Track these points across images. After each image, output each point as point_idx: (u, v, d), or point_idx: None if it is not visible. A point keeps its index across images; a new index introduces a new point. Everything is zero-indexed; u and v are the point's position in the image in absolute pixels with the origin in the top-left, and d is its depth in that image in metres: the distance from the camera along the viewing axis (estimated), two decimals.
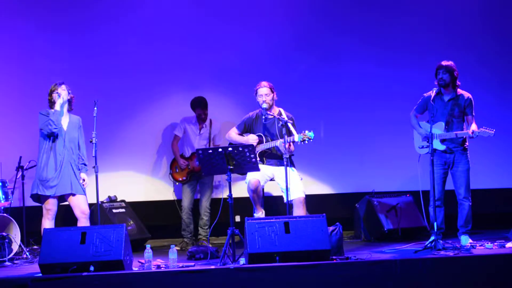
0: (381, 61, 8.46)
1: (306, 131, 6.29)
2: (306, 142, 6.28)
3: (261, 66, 8.31)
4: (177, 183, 7.87)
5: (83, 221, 6.11)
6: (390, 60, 8.46)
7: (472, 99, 6.48)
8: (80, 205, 6.13)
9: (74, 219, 6.19)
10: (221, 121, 8.08)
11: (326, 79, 8.47)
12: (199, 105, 7.79)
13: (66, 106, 6.25)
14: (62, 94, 6.19)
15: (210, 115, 7.90)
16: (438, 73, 6.45)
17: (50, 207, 6.12)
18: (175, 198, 8.06)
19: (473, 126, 6.35)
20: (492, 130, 6.21)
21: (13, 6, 8.16)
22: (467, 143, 6.50)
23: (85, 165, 6.31)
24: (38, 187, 6.10)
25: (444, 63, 6.45)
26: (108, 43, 8.28)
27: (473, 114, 6.47)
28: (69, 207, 6.23)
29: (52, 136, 6.12)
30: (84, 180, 6.24)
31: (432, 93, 6.39)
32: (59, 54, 8.20)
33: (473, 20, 8.55)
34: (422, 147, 6.54)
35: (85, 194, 6.20)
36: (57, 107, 6.17)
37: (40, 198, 6.16)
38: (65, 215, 6.31)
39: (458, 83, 6.47)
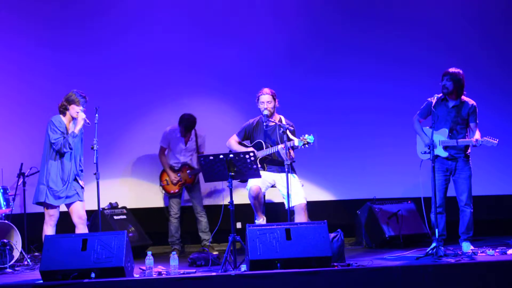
0: (385, 63, 8.48)
1: (306, 135, 6.29)
2: (307, 146, 6.29)
3: (255, 80, 8.22)
4: (169, 195, 7.80)
5: (81, 227, 6.10)
6: (394, 61, 8.48)
7: (476, 106, 6.37)
8: (78, 211, 6.13)
9: (72, 226, 6.18)
10: (207, 130, 8.12)
11: (326, 79, 8.47)
12: (188, 127, 7.63)
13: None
14: (82, 117, 6.09)
15: (199, 126, 7.85)
16: (443, 80, 6.31)
17: (53, 213, 6.12)
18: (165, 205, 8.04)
19: (477, 135, 6.26)
20: (496, 140, 6.14)
21: (14, 24, 8.23)
22: (469, 150, 6.45)
23: (81, 171, 6.30)
24: (47, 196, 6.04)
25: (451, 70, 6.29)
26: (111, 54, 8.36)
27: (477, 121, 6.37)
28: (66, 215, 6.23)
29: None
30: (82, 187, 6.25)
31: (434, 99, 6.26)
32: (59, 65, 8.24)
33: (474, 36, 8.51)
34: (425, 152, 6.40)
35: (83, 200, 6.21)
36: (77, 131, 6.08)
37: (44, 205, 6.13)
38: (63, 222, 6.30)
39: (464, 93, 6.35)
